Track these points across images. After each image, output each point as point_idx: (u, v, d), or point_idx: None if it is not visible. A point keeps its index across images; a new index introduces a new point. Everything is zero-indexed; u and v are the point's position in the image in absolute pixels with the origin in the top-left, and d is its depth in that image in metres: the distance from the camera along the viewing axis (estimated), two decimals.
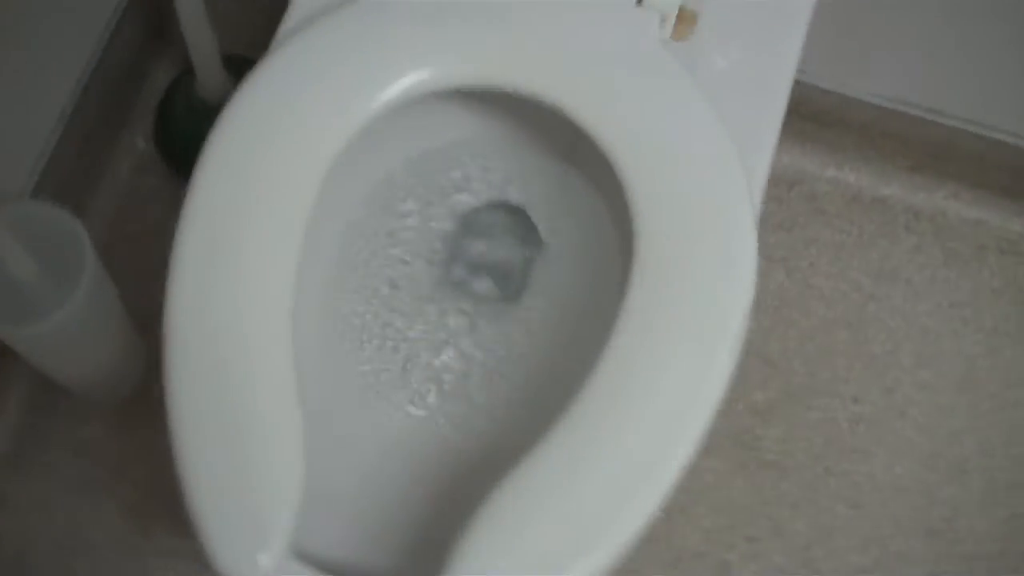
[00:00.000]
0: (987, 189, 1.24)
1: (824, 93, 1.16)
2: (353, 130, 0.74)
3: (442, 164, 0.88)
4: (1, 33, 0.95)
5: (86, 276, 0.86)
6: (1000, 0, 1.02)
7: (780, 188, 1.25)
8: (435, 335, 0.84)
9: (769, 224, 1.22)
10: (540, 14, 0.77)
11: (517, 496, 0.66)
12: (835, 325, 1.21)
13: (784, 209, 1.25)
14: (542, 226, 0.87)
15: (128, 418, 1.10)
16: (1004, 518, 1.14)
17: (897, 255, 1.24)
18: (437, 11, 0.76)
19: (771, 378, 1.18)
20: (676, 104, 0.75)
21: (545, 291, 0.86)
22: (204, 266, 0.70)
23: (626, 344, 0.69)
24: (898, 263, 1.24)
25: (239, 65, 1.09)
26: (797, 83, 0.84)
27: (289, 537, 0.64)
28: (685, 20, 0.81)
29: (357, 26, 0.76)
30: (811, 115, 1.19)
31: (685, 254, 0.72)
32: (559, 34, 0.77)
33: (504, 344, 0.85)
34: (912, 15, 1.07)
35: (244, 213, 0.71)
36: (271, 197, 0.72)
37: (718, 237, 0.72)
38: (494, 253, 0.86)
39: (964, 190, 1.25)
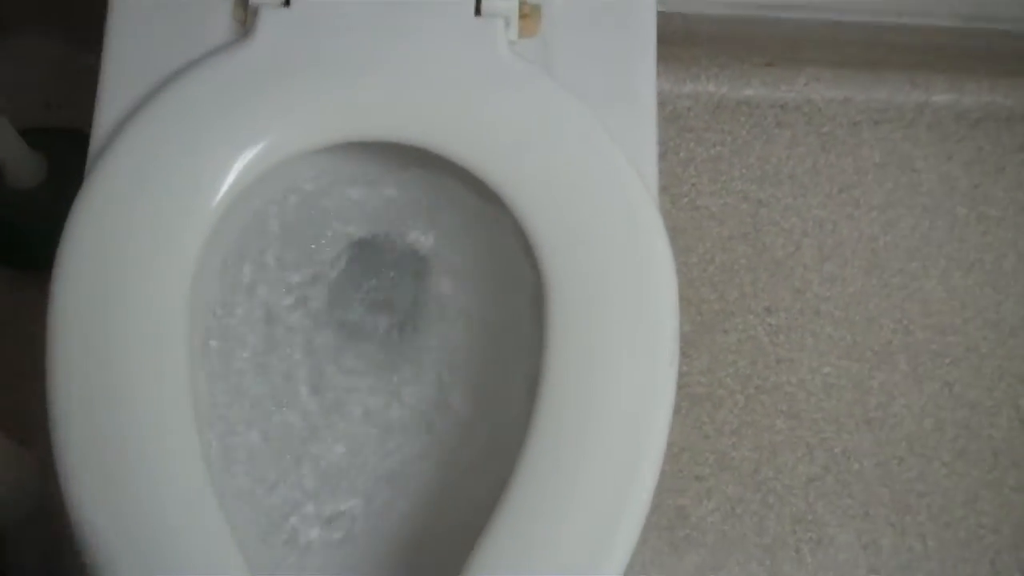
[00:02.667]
0: (845, 67, 1.22)
1: (665, 17, 1.12)
2: (217, 208, 0.69)
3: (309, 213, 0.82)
4: None
5: None
6: None
7: None
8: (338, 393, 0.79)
9: None
10: (381, 52, 0.72)
11: (511, 535, 0.64)
12: (732, 241, 1.18)
13: None
14: (421, 245, 0.82)
15: (38, 532, 1.04)
16: (936, 390, 1.14)
17: (775, 154, 1.22)
18: (274, 74, 0.71)
19: (682, 311, 1.14)
20: (541, 109, 0.72)
21: (443, 311, 0.82)
22: (86, 365, 0.66)
23: (565, 366, 0.67)
24: (778, 162, 1.21)
25: (47, 140, 1.03)
26: None
27: None
28: (529, 15, 0.76)
29: (206, 97, 0.71)
30: (658, 38, 1.15)
31: (599, 268, 0.69)
32: (406, 69, 0.72)
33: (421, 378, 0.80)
34: None
35: (119, 305, 0.67)
36: (144, 286, 0.67)
37: (627, 242, 0.70)
38: (378, 288, 0.81)
39: (824, 72, 1.23)
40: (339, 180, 0.79)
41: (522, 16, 0.76)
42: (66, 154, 1.04)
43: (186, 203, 0.68)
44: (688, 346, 1.13)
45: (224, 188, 0.68)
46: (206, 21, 0.75)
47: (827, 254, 1.18)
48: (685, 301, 1.14)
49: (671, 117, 1.21)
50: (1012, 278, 1.19)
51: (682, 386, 1.12)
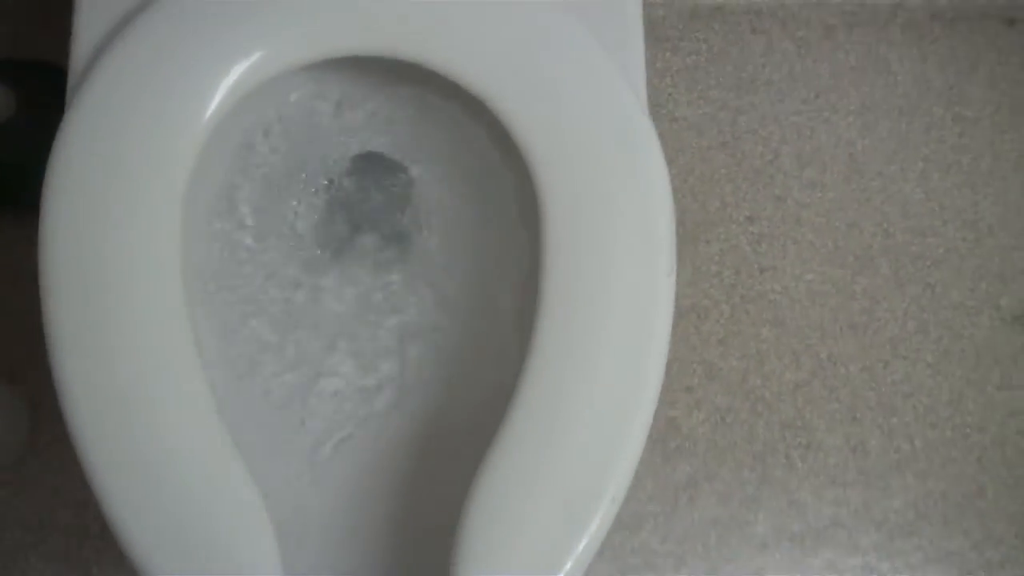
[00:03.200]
0: None
1: None
2: (209, 126, 0.67)
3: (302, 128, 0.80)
4: None
5: None
6: None
7: None
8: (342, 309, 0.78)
9: None
10: None
11: (502, 487, 0.63)
12: (710, 150, 1.17)
13: None
14: (407, 160, 0.80)
15: (30, 470, 1.02)
16: (918, 292, 1.15)
17: (751, 61, 1.20)
18: None
19: None
20: (532, 23, 0.70)
21: (432, 226, 0.80)
22: (84, 293, 0.64)
23: (564, 280, 0.66)
24: (754, 69, 1.20)
25: (16, 73, 0.99)
26: None
27: None
28: None
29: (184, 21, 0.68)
30: None
31: (594, 179, 0.68)
32: None
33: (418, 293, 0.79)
34: None
35: (113, 228, 0.65)
36: (137, 208, 0.65)
37: (622, 152, 0.68)
38: (369, 205, 0.79)
39: None
40: (326, 98, 0.77)
41: None
42: (35, 87, 1.01)
43: (178, 118, 0.66)
44: None
45: (216, 102, 0.66)
46: None
47: (806, 160, 1.18)
48: None
49: (645, 27, 1.18)
50: (989, 178, 1.19)
51: None
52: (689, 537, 1.07)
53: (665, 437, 1.08)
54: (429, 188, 0.80)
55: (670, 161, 1.13)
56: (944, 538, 1.09)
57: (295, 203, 0.78)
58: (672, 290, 0.67)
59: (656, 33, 1.18)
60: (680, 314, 1.11)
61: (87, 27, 0.69)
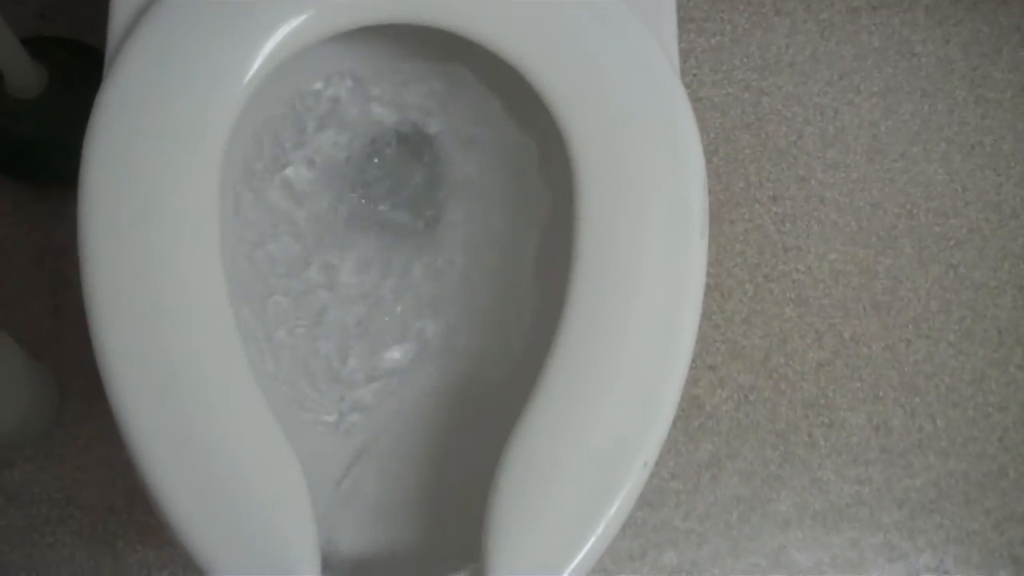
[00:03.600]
0: None
1: None
2: (246, 93, 0.67)
3: (323, 101, 0.80)
4: None
5: None
6: None
7: None
8: (361, 286, 0.79)
9: None
10: None
11: (534, 450, 0.63)
12: (734, 131, 1.18)
13: None
14: (442, 139, 0.81)
15: (56, 446, 1.03)
16: (941, 272, 1.15)
17: (775, 42, 1.20)
18: None
19: None
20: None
21: (461, 205, 0.81)
22: (124, 268, 0.64)
23: (599, 241, 0.66)
24: (778, 50, 1.20)
25: (46, 49, 0.99)
26: None
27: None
28: None
29: None
30: None
31: (627, 143, 0.68)
32: None
33: (438, 271, 0.80)
34: None
35: (151, 201, 0.65)
36: (175, 183, 0.65)
37: (655, 116, 0.69)
38: (400, 182, 0.80)
39: None
40: (364, 69, 0.78)
41: None
42: (65, 64, 1.01)
43: (218, 81, 0.66)
44: None
45: (253, 69, 0.66)
46: None
47: (829, 141, 1.18)
48: None
49: None
50: (1012, 159, 1.19)
51: None
52: (711, 515, 1.08)
53: (688, 415, 1.09)
54: (453, 160, 0.81)
55: None
56: (966, 517, 1.09)
57: (323, 177, 0.79)
58: (705, 253, 0.68)
59: (681, 14, 1.18)
60: (704, 293, 1.11)
61: None
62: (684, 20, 1.19)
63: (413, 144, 0.80)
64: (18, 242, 1.07)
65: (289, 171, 0.78)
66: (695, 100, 1.17)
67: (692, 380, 1.10)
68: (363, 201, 0.79)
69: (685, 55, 1.18)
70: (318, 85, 0.78)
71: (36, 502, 1.01)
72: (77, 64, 1.02)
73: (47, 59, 1.00)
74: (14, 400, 0.93)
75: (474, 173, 0.81)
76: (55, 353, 1.04)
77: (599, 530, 0.63)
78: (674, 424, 0.65)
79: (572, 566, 0.62)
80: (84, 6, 1.12)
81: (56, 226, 1.08)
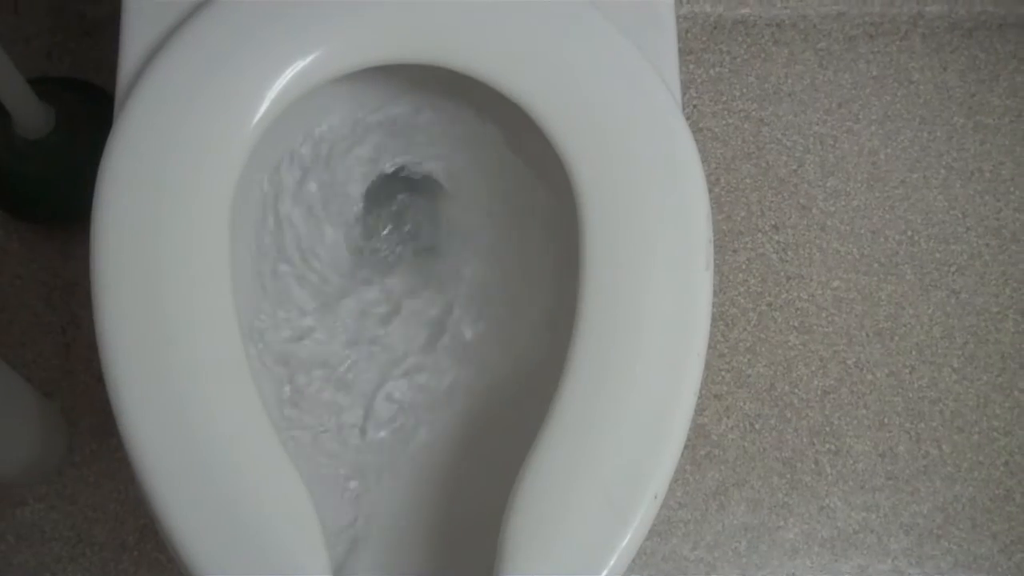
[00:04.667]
0: None
1: None
2: (255, 135, 0.68)
3: (344, 140, 0.81)
4: None
5: None
6: None
7: None
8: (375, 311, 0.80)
9: None
10: None
11: (545, 482, 0.63)
12: (735, 161, 1.19)
13: None
14: (437, 168, 0.82)
15: (67, 484, 1.03)
16: (943, 298, 1.16)
17: (774, 72, 1.22)
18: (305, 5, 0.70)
19: None
20: (578, 36, 0.71)
21: (459, 235, 0.81)
22: (136, 309, 0.64)
23: (603, 276, 0.67)
24: (777, 80, 1.21)
25: (53, 90, 1.00)
26: None
27: None
28: None
29: (232, 28, 0.69)
30: None
31: (630, 176, 0.69)
32: None
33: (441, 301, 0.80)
34: None
35: (163, 243, 0.65)
36: (186, 225, 0.66)
37: (657, 149, 0.69)
38: (402, 219, 0.80)
39: None
40: (364, 109, 0.79)
41: None
42: (73, 104, 1.02)
43: (227, 122, 0.67)
44: None
45: (261, 111, 0.67)
46: None
47: (830, 169, 1.19)
48: None
49: None
50: (1011, 185, 1.20)
51: None
52: (720, 543, 1.08)
53: (695, 444, 1.09)
54: (455, 196, 0.82)
55: None
56: (973, 542, 1.10)
57: (327, 217, 0.80)
58: (711, 284, 0.68)
59: (680, 45, 1.19)
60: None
61: (134, 38, 0.70)
62: (683, 52, 1.20)
63: (414, 181, 0.81)
64: (27, 281, 1.08)
65: (293, 210, 0.79)
66: (696, 131, 1.18)
67: (698, 409, 1.10)
68: (365, 239, 0.80)
69: (685, 86, 1.19)
70: (322, 127, 0.79)
71: (48, 540, 1.02)
72: (84, 104, 1.03)
73: (54, 99, 1.01)
74: (24, 439, 0.94)
75: (475, 208, 0.82)
76: (65, 391, 1.05)
77: (611, 563, 0.63)
78: (681, 453, 0.66)
79: None
80: (91, 46, 1.13)
81: (64, 265, 1.09)
